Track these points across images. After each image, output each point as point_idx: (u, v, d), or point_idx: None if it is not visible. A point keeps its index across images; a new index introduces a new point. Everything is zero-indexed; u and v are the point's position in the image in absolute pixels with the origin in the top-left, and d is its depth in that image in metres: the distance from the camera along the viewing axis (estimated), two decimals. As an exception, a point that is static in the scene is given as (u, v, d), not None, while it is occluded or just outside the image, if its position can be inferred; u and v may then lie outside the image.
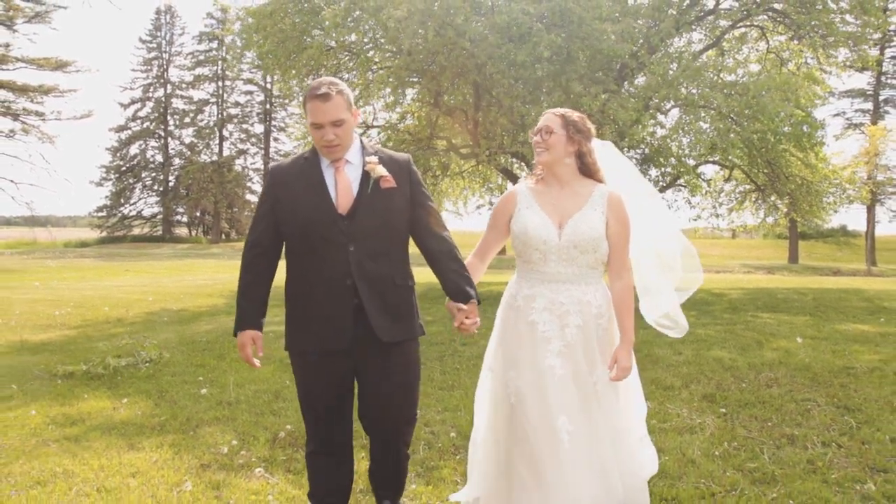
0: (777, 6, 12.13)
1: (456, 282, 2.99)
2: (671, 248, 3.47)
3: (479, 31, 9.68)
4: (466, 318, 2.95)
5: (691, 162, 14.23)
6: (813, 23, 11.14)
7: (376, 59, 13.89)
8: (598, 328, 3.14)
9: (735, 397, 5.63)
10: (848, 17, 12.41)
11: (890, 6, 36.87)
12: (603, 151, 3.39)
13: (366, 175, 2.91)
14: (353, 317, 2.88)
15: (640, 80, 13.05)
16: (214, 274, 21.18)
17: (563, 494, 2.92)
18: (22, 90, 22.15)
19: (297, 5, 12.69)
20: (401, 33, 10.10)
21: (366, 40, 13.49)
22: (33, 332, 9.01)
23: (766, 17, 13.40)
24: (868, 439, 4.58)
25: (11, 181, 22.59)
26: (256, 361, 3.01)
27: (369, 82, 14.58)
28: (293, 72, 14.01)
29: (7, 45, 21.77)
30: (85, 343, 8.25)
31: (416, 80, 13.49)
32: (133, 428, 4.69)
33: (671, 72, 10.87)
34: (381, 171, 2.90)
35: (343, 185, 2.92)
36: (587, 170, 3.22)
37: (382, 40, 12.92)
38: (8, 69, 21.98)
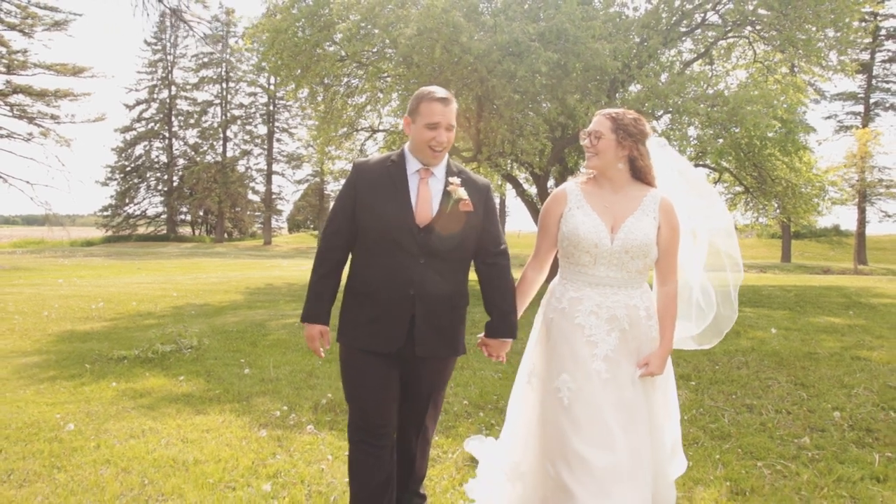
0: (757, 21, 12.98)
1: (489, 311, 3.14)
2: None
3: (482, 48, 10.54)
4: (484, 346, 3.18)
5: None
6: (788, 37, 11.98)
7: (385, 70, 14.72)
8: (651, 330, 3.10)
9: (708, 377, 6.47)
10: (826, 29, 13.27)
11: (882, 11, 37.77)
12: (658, 153, 3.28)
13: (447, 194, 2.97)
14: (407, 326, 2.94)
15: (635, 87, 13.94)
16: (226, 272, 22.00)
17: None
18: (40, 95, 22.99)
19: (311, 20, 13.52)
20: (411, 50, 10.97)
21: (373, 50, 14.34)
22: (75, 324, 9.83)
23: (750, 29, 14.24)
24: (814, 408, 5.43)
25: (27, 181, 23.33)
26: (322, 353, 3.11)
27: (378, 90, 15.45)
28: (304, 82, 14.89)
29: (25, 52, 22.66)
30: (124, 333, 9.08)
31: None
32: (195, 399, 5.54)
33: (660, 83, 11.73)
34: (462, 193, 2.96)
35: (424, 196, 2.97)
36: (639, 174, 3.12)
37: (391, 51, 13.77)
38: (27, 75, 22.83)
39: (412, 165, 2.99)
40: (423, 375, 3.07)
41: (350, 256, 3.10)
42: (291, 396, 5.59)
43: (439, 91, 2.95)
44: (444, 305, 2.98)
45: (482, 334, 3.19)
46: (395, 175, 2.98)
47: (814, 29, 12.34)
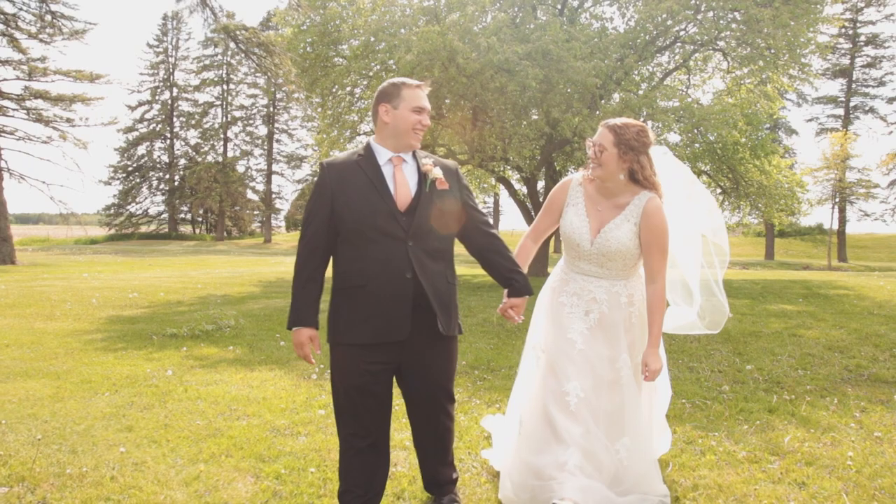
0: (727, 38, 14.41)
1: (509, 277, 3.18)
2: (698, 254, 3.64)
3: (476, 66, 11.93)
4: (511, 308, 3.18)
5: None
6: (750, 56, 13.42)
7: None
8: (631, 316, 3.32)
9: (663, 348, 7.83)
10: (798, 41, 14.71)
11: (861, 18, 39.17)
12: (662, 160, 3.50)
13: (423, 176, 3.05)
14: (410, 310, 2.95)
15: (617, 96, 15.35)
16: (234, 268, 23.26)
17: (571, 452, 3.12)
18: (56, 99, 24.27)
19: (320, 37, 14.89)
20: (411, 71, 12.37)
21: (375, 62, 15.72)
22: (117, 310, 11.11)
23: (723, 44, 15.67)
24: (742, 369, 6.77)
25: (44, 182, 24.59)
26: (313, 359, 3.09)
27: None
28: (314, 93, 16.30)
29: (44, 59, 23.95)
30: (165, 317, 10.36)
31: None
32: (245, 361, 6.88)
33: (635, 96, 13.15)
34: (437, 173, 3.05)
35: (401, 182, 3.03)
36: (640, 183, 3.27)
37: (392, 62, 15.15)
38: (47, 81, 24.12)
39: (383, 155, 3.06)
40: (432, 356, 3.08)
41: (332, 257, 3.10)
42: (324, 361, 6.92)
43: (414, 80, 3.12)
44: (441, 281, 3.05)
45: (505, 301, 3.25)
46: (367, 167, 3.02)
47: (774, 41, 13.76)
